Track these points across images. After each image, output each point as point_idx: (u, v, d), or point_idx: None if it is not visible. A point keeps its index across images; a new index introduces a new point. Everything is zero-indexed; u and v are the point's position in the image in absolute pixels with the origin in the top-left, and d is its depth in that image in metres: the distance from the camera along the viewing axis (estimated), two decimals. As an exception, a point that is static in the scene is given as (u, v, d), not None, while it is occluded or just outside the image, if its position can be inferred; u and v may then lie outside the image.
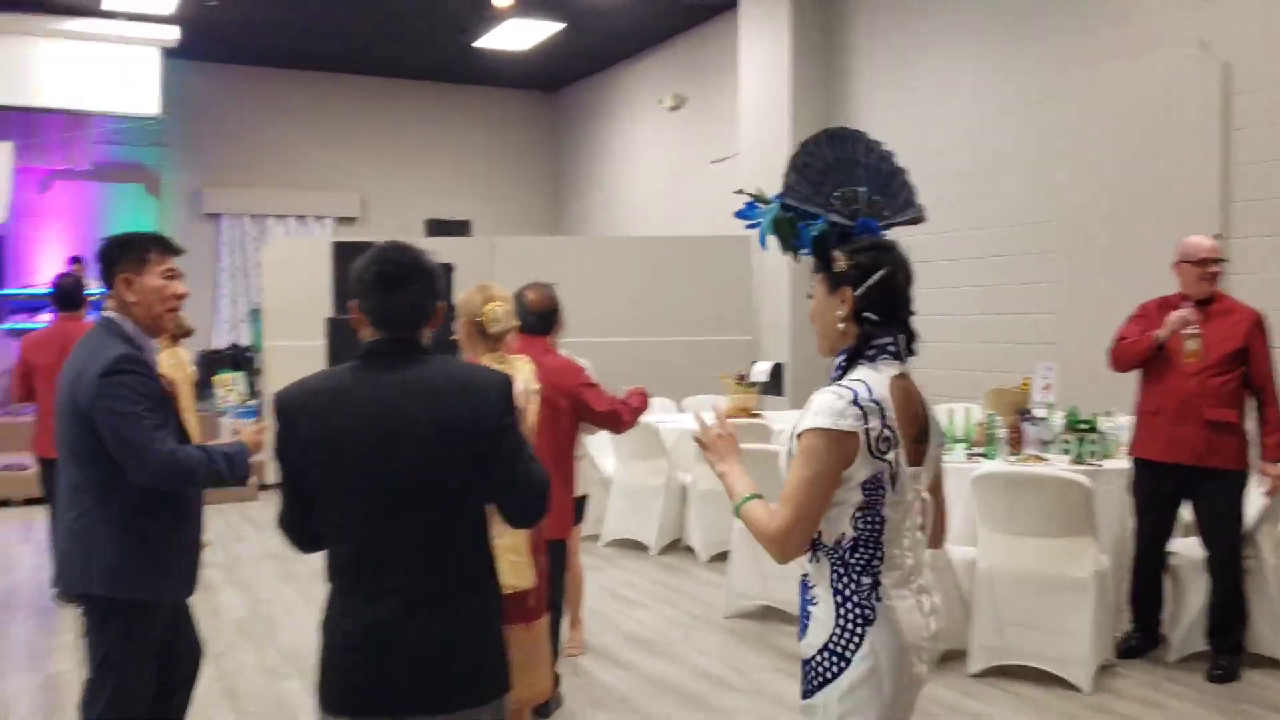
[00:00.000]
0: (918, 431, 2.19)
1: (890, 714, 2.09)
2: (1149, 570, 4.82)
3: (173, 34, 11.23)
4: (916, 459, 2.18)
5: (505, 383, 2.28)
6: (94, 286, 7.38)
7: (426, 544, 2.20)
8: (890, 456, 2.09)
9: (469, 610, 2.24)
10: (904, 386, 2.18)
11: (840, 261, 2.20)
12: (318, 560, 2.30)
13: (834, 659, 2.09)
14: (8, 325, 11.70)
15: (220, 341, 12.79)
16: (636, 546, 7.12)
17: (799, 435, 2.12)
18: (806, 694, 2.15)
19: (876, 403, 2.09)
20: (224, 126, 13.06)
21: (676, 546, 7.11)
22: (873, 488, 2.09)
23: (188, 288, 3.06)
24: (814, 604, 2.14)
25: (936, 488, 2.32)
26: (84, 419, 2.80)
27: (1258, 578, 4.68)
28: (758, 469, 2.53)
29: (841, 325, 2.20)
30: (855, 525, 2.10)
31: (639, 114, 12.90)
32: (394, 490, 2.18)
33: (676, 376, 8.84)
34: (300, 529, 2.30)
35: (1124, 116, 7.08)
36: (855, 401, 2.07)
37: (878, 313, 2.18)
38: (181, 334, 6.56)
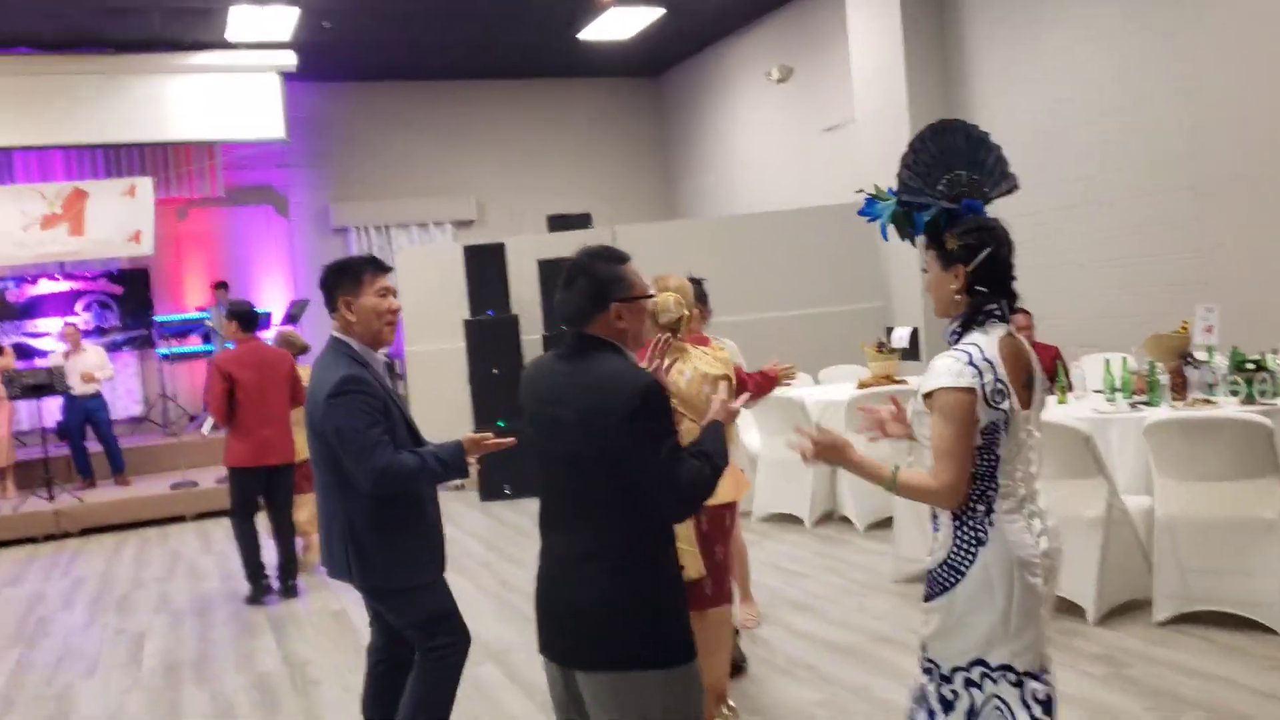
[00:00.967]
0: (1025, 379, 2.53)
1: (1005, 619, 2.45)
2: None
3: (291, 59, 11.69)
4: (1026, 403, 2.52)
5: (644, 385, 2.40)
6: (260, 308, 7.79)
7: (581, 513, 2.47)
8: (1004, 405, 2.45)
9: (629, 575, 2.42)
10: (1011, 344, 2.53)
11: (951, 243, 2.57)
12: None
13: (951, 572, 2.50)
14: (161, 350, 12.34)
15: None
16: (791, 520, 7.18)
17: (927, 395, 2.49)
18: (929, 598, 2.56)
19: (989, 361, 2.45)
20: (344, 143, 13.53)
21: (831, 518, 7.15)
22: (991, 432, 2.46)
23: (398, 302, 3.32)
24: (938, 529, 2.56)
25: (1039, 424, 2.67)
26: (320, 435, 3.16)
27: None
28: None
29: (957, 297, 2.56)
30: (974, 463, 2.47)
31: (745, 90, 12.89)
32: (555, 463, 2.51)
33: (811, 349, 8.86)
34: None
35: (1265, 46, 6.83)
36: (971, 362, 2.45)
37: (985, 284, 2.54)
38: (298, 350, 6.96)
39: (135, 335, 12.50)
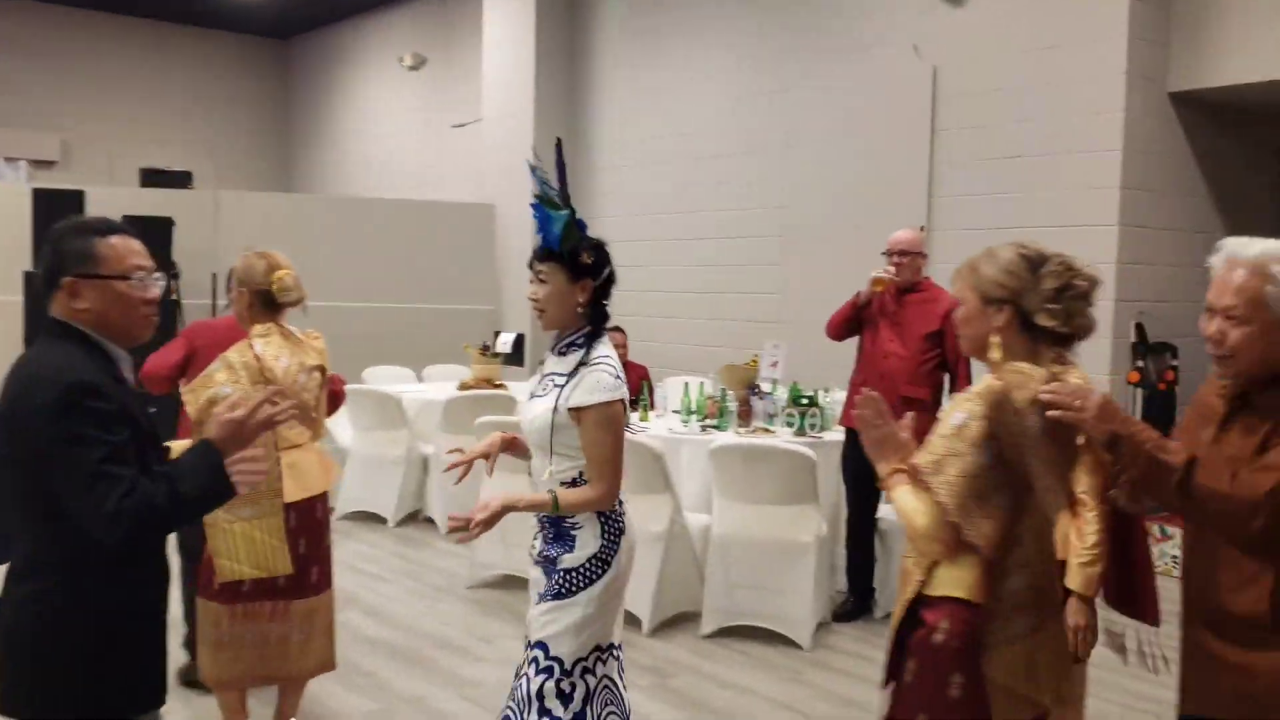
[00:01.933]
0: None
1: (620, 600, 2.75)
2: (860, 536, 5.26)
3: None
4: None
5: (66, 383, 2.00)
6: None
7: (21, 525, 2.09)
8: (627, 412, 2.74)
9: (49, 604, 2.05)
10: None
11: (586, 257, 2.66)
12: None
13: (599, 565, 2.67)
14: None
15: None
16: (374, 519, 7.00)
17: (581, 409, 2.60)
18: (564, 594, 2.65)
19: (622, 375, 2.68)
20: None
21: (416, 518, 7.05)
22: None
23: None
24: (577, 528, 2.67)
25: None
26: None
27: (952, 539, 5.22)
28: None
29: (580, 310, 2.68)
30: None
31: (377, 71, 12.53)
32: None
33: (417, 345, 8.73)
34: None
35: (848, 111, 7.61)
36: (617, 376, 2.65)
37: (603, 300, 2.72)
38: None
39: None
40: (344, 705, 4.11)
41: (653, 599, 4.93)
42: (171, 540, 2.27)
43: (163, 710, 2.24)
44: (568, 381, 2.64)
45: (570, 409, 2.61)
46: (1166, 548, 6.08)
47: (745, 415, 5.68)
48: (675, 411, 6.16)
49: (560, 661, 2.65)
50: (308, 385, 3.43)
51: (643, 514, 4.96)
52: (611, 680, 2.75)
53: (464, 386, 7.27)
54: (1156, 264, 6.57)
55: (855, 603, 5.27)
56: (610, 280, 2.72)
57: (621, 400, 2.64)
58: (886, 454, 2.22)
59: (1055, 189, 6.50)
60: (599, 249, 2.71)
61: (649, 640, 4.85)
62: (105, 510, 1.93)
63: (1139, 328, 6.44)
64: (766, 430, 5.56)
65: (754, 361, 6.05)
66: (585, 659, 2.68)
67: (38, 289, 2.19)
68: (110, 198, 8.84)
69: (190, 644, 4.04)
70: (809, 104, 7.89)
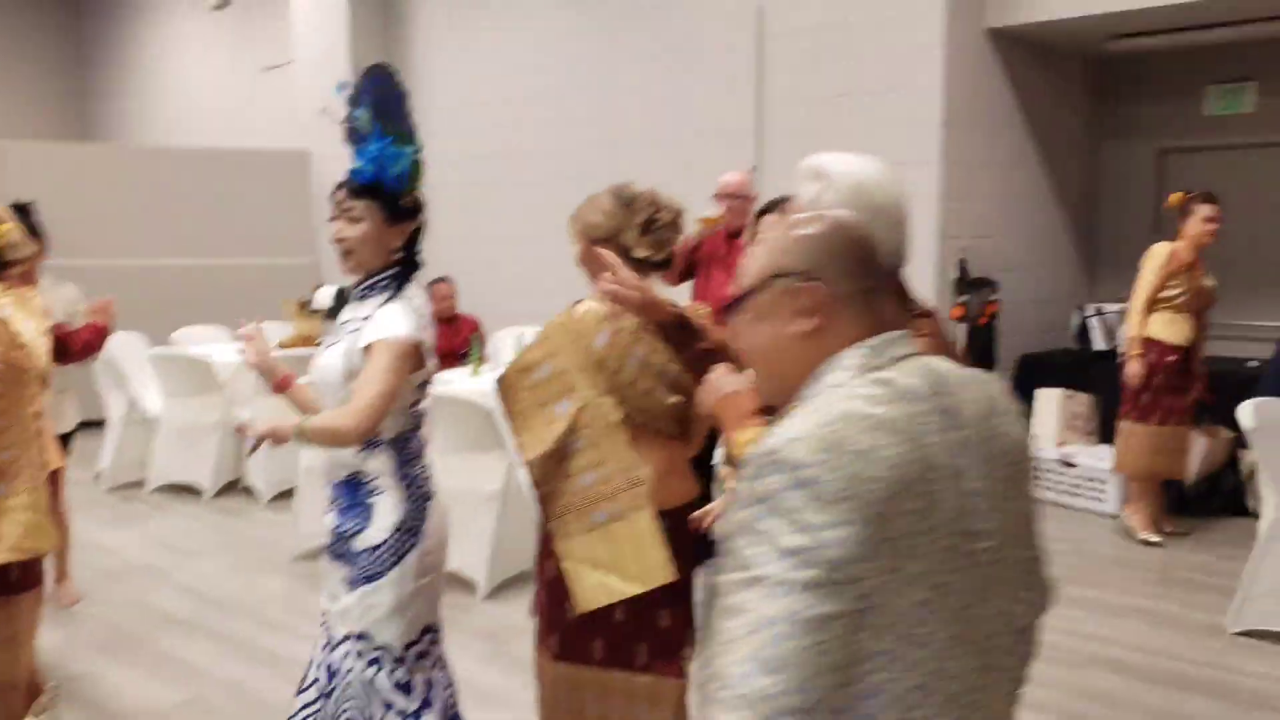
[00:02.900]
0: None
1: (440, 571, 2.52)
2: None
3: None
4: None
5: None
6: None
7: None
8: (430, 364, 2.49)
9: None
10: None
11: (409, 199, 2.50)
12: None
13: (408, 536, 2.42)
14: None
15: None
16: (188, 491, 6.57)
17: (370, 345, 2.35)
18: (374, 576, 2.40)
19: (426, 316, 2.47)
20: None
21: (234, 488, 6.64)
22: (423, 385, 2.49)
23: None
24: (376, 494, 2.42)
25: None
26: None
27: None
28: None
29: (395, 255, 2.48)
30: (412, 419, 2.48)
31: (179, 9, 11.66)
32: None
33: (232, 302, 8.20)
34: None
35: (674, 50, 7.45)
36: (419, 314, 2.43)
37: (418, 246, 2.54)
38: None
39: None
40: (149, 696, 3.78)
41: (488, 562, 4.75)
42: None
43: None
44: (364, 324, 2.41)
45: (363, 348, 2.37)
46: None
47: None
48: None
49: (388, 649, 2.43)
50: (44, 349, 3.07)
51: (474, 473, 4.78)
52: (442, 660, 2.59)
53: (283, 345, 6.88)
54: (977, 200, 6.68)
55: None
56: (422, 224, 2.55)
57: (417, 343, 2.38)
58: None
59: (880, 127, 6.51)
60: (417, 191, 2.55)
61: (485, 605, 4.67)
62: None
63: (961, 264, 6.55)
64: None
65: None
66: (418, 642, 2.47)
67: None
68: None
69: None
70: (634, 44, 7.69)
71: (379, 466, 2.44)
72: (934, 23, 6.31)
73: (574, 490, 2.29)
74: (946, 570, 1.13)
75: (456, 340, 6.58)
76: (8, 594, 2.89)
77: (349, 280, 2.56)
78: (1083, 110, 7.58)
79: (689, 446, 2.44)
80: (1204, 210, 5.32)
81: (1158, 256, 5.40)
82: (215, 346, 7.17)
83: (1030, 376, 7.00)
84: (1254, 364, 5.99)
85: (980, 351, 6.74)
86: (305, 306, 7.22)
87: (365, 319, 2.42)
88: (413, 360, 2.39)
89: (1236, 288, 5.40)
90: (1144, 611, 4.54)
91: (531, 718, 3.49)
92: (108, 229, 8.47)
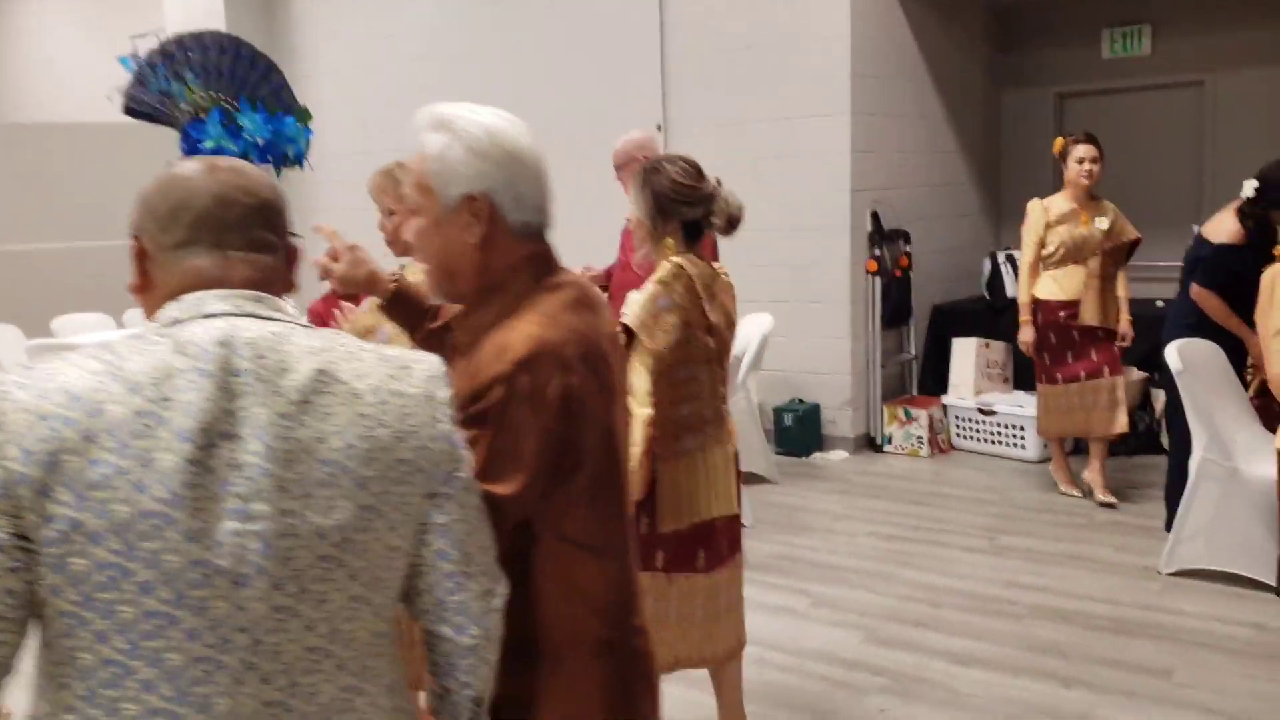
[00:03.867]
0: None
1: None
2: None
3: None
4: None
5: None
6: None
7: None
8: None
9: None
10: None
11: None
12: None
13: None
14: None
15: None
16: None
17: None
18: None
19: None
20: None
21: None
22: None
23: None
24: None
25: None
26: None
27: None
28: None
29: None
30: None
31: (33, -25, 10.92)
32: None
33: (115, 287, 7.71)
34: None
35: (574, 7, 7.20)
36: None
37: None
38: None
39: None
40: None
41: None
42: None
43: None
44: None
45: None
46: (914, 429, 6.26)
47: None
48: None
49: None
50: None
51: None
52: None
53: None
54: (886, 151, 6.63)
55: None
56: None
57: None
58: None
59: (788, 80, 6.39)
60: None
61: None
62: None
63: (874, 216, 6.51)
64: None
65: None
66: None
67: None
68: None
69: None
70: (533, 7, 7.41)
71: None
72: (840, -29, 6.20)
73: None
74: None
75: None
76: None
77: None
78: (983, 58, 7.59)
79: None
80: (1077, 151, 5.09)
81: (1030, 214, 5.24)
82: (100, 335, 6.74)
83: (945, 326, 7.03)
84: (1160, 304, 6.08)
85: (898, 302, 6.73)
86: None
87: None
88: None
89: (1138, 228, 5.33)
90: (1077, 558, 4.57)
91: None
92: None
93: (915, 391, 7.07)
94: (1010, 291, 6.77)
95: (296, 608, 1.13)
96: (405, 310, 2.10)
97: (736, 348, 5.23)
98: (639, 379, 2.56)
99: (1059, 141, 5.26)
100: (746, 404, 5.79)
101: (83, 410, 1.08)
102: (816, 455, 6.49)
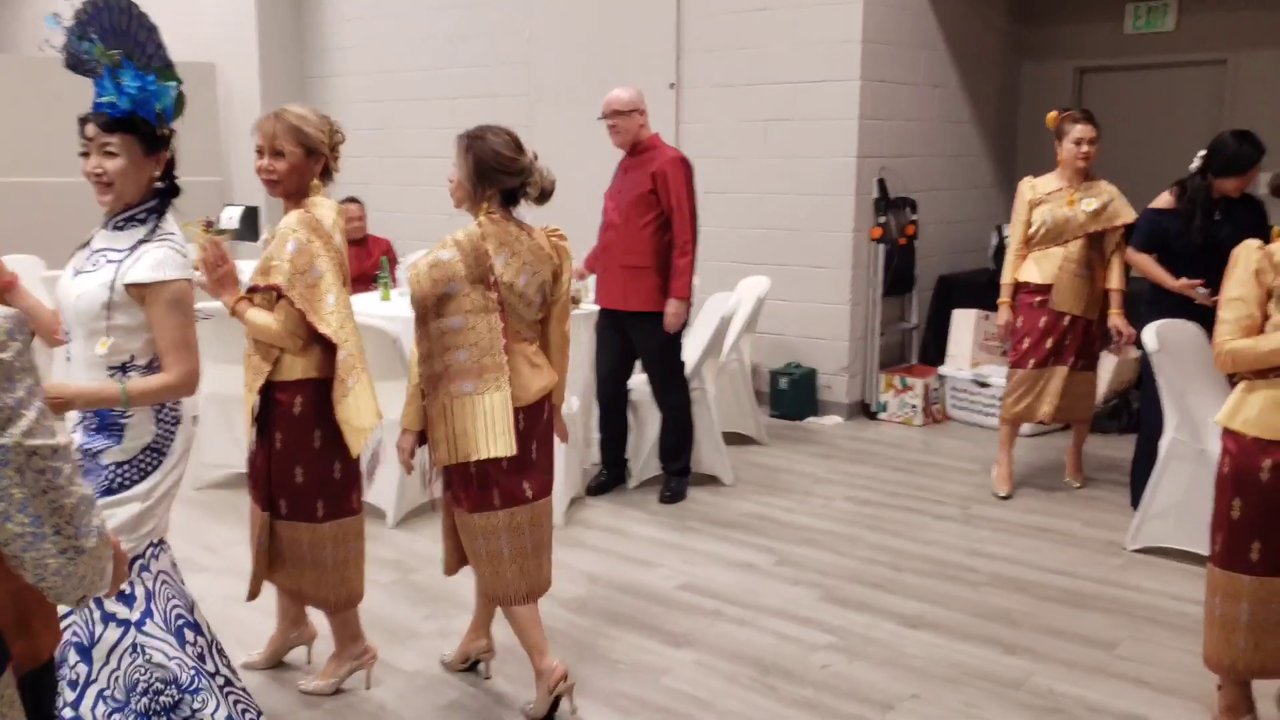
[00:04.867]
0: None
1: (177, 489, 2.64)
2: (611, 408, 5.14)
3: None
4: None
5: None
6: None
7: None
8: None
9: None
10: None
11: (165, 129, 2.54)
12: None
13: (154, 455, 2.52)
14: None
15: None
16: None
17: (143, 285, 2.40)
18: (114, 489, 2.45)
19: (188, 252, 2.56)
20: None
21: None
22: None
23: None
24: (127, 416, 2.47)
25: None
26: None
27: (702, 406, 5.19)
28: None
29: (157, 184, 2.55)
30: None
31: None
32: None
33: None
34: None
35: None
36: (183, 253, 2.49)
37: (173, 175, 2.60)
38: None
39: None
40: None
41: (397, 490, 4.67)
42: None
43: None
44: (127, 256, 2.45)
45: (129, 285, 2.42)
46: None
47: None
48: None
49: None
50: None
51: (383, 402, 4.65)
52: (167, 573, 2.64)
53: (195, 267, 6.62)
54: (896, 119, 6.61)
55: (609, 475, 5.19)
56: (175, 155, 2.60)
57: (189, 280, 2.49)
58: (228, 288, 2.94)
59: (799, 44, 6.38)
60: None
61: (393, 533, 4.60)
62: None
63: (880, 184, 6.51)
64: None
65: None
66: (142, 555, 2.55)
67: None
68: None
69: None
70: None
71: None
72: (854, -65, 6.16)
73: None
74: None
75: (368, 263, 6.41)
76: None
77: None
78: (1003, 29, 7.51)
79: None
80: (1075, 131, 4.85)
81: (1018, 194, 5.06)
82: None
83: (948, 297, 7.04)
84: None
85: (900, 270, 6.75)
86: (210, 226, 6.95)
87: (127, 251, 2.46)
88: (191, 295, 2.49)
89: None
90: (1046, 530, 4.62)
91: (440, 646, 3.47)
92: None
93: (916, 360, 7.10)
94: (1015, 265, 6.75)
95: None
96: None
97: (726, 307, 5.30)
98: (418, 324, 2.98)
99: (1053, 116, 5.03)
100: (739, 365, 5.85)
101: None
102: (810, 419, 6.55)
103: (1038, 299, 4.98)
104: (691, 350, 5.13)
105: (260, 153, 3.03)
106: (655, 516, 4.83)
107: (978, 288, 6.89)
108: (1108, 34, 7.28)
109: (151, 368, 2.50)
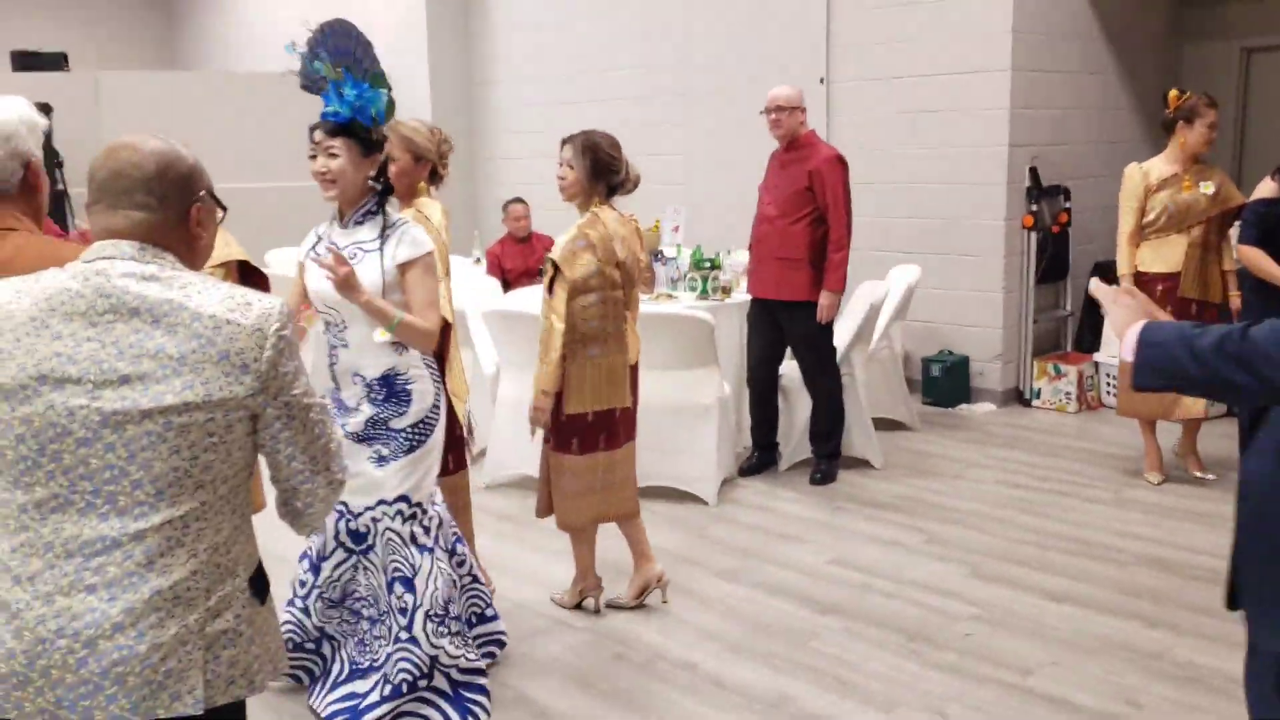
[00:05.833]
0: None
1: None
2: (762, 392, 5.37)
3: None
4: None
5: None
6: None
7: None
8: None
9: None
10: None
11: (377, 134, 2.94)
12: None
13: (436, 411, 3.01)
14: None
15: None
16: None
17: (409, 262, 2.88)
18: (415, 447, 2.94)
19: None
20: None
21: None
22: None
23: None
24: (411, 383, 2.94)
25: None
26: None
27: (851, 392, 5.37)
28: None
29: (371, 184, 2.94)
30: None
31: (259, -65, 11.86)
32: None
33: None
34: None
35: (743, -38, 7.41)
36: (421, 228, 3.00)
37: (386, 173, 3.03)
38: None
39: None
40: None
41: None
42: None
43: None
44: (383, 244, 2.88)
45: (400, 264, 2.87)
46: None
47: (649, 282, 5.69)
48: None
49: (421, 506, 3.01)
50: None
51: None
52: (439, 506, 3.15)
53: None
54: (1049, 108, 6.61)
55: (760, 457, 5.42)
56: (389, 156, 3.06)
57: (433, 251, 2.95)
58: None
59: (949, 35, 6.46)
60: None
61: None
62: None
63: (1033, 172, 6.52)
64: (670, 296, 5.60)
65: (656, 226, 6.05)
66: (432, 493, 3.08)
67: None
68: (-20, 86, 8.40)
69: None
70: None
71: (410, 360, 2.98)
72: (1005, -74, 6.20)
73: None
74: None
75: (532, 259, 6.81)
76: None
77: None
78: (1164, 10, 7.38)
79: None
80: (1209, 116, 4.84)
81: (1128, 180, 4.99)
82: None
83: (1105, 284, 6.96)
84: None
85: (1054, 258, 6.75)
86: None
87: (381, 239, 2.88)
88: (435, 266, 2.98)
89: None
90: (1198, 514, 4.63)
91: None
92: (201, 155, 8.85)
93: (1071, 348, 7.07)
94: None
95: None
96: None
97: (876, 295, 5.46)
98: (558, 301, 3.41)
99: (1176, 95, 4.96)
100: (889, 353, 5.99)
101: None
102: (963, 406, 6.63)
103: (1160, 287, 4.91)
104: (841, 337, 5.32)
105: None
106: (805, 496, 5.04)
107: (1135, 274, 6.82)
108: (1277, 13, 7.07)
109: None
